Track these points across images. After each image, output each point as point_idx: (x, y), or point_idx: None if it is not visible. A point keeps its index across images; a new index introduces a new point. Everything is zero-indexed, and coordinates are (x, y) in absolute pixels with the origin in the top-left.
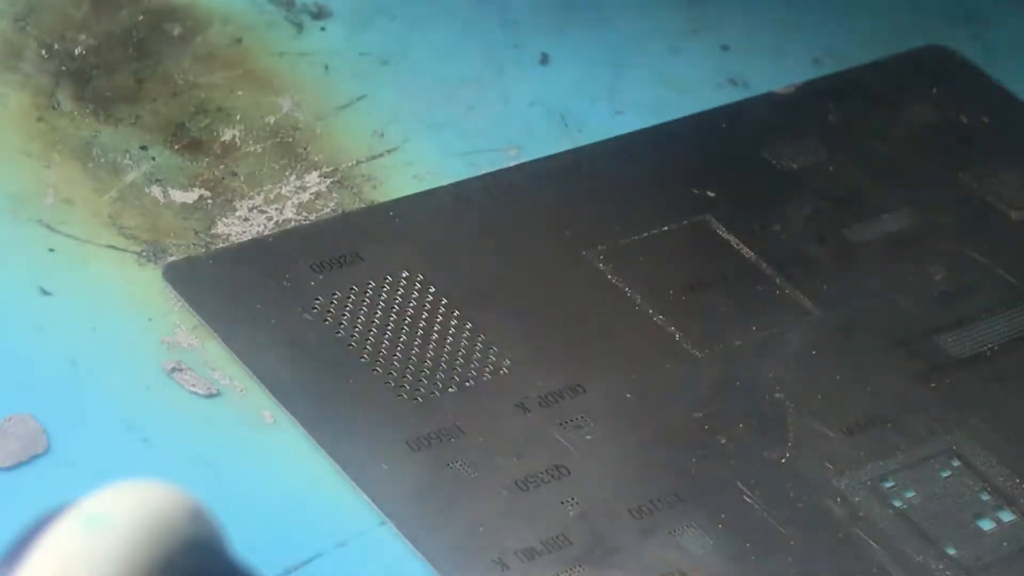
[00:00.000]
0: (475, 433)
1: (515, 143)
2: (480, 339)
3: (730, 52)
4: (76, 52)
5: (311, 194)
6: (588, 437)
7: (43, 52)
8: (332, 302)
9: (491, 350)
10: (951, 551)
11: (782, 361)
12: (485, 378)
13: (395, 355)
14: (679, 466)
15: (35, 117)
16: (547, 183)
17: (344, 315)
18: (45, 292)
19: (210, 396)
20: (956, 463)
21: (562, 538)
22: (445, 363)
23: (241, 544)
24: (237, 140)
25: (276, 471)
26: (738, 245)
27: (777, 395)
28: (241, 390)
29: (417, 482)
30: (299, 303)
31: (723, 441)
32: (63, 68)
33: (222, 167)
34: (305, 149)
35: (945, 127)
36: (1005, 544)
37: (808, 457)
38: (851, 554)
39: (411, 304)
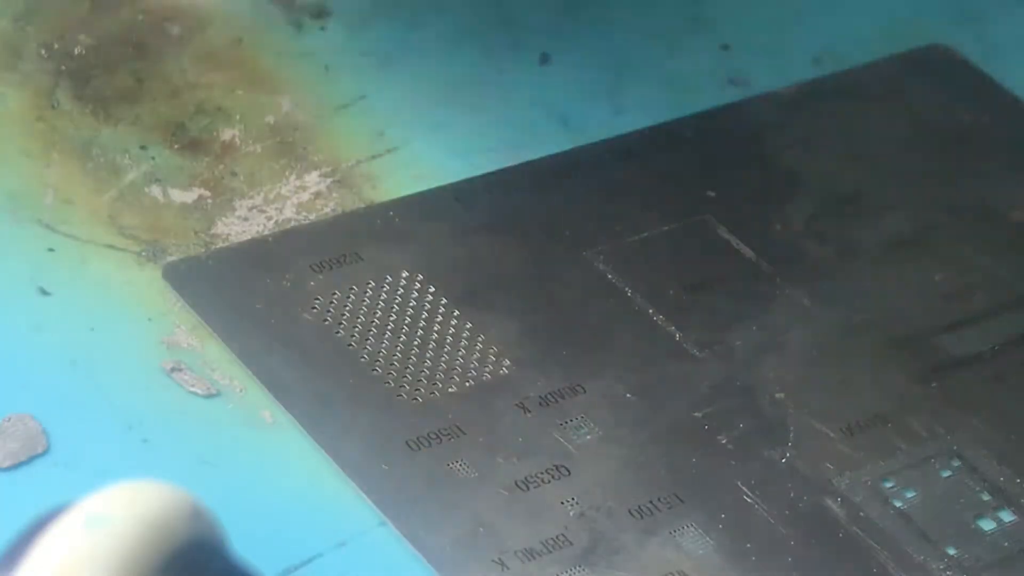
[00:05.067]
0: (475, 433)
1: (515, 143)
2: (480, 339)
3: (730, 52)
4: (76, 52)
5: (311, 194)
6: (588, 437)
7: (43, 52)
8: (332, 302)
9: (491, 350)
10: (952, 551)
11: (782, 361)
12: (485, 378)
13: (395, 355)
14: (679, 466)
15: (35, 117)
16: (547, 183)
17: (344, 315)
18: (45, 292)
19: (210, 396)
20: (957, 463)
21: (562, 538)
22: (445, 363)
23: (241, 544)
24: (237, 140)
25: (276, 471)
26: (738, 245)
27: (777, 395)
28: (241, 390)
29: (417, 482)
30: (299, 303)
31: (723, 441)
32: (63, 68)
33: (222, 167)
34: (305, 149)
35: (945, 127)
36: (1006, 544)
37: (808, 457)
38: (851, 554)
39: (411, 304)
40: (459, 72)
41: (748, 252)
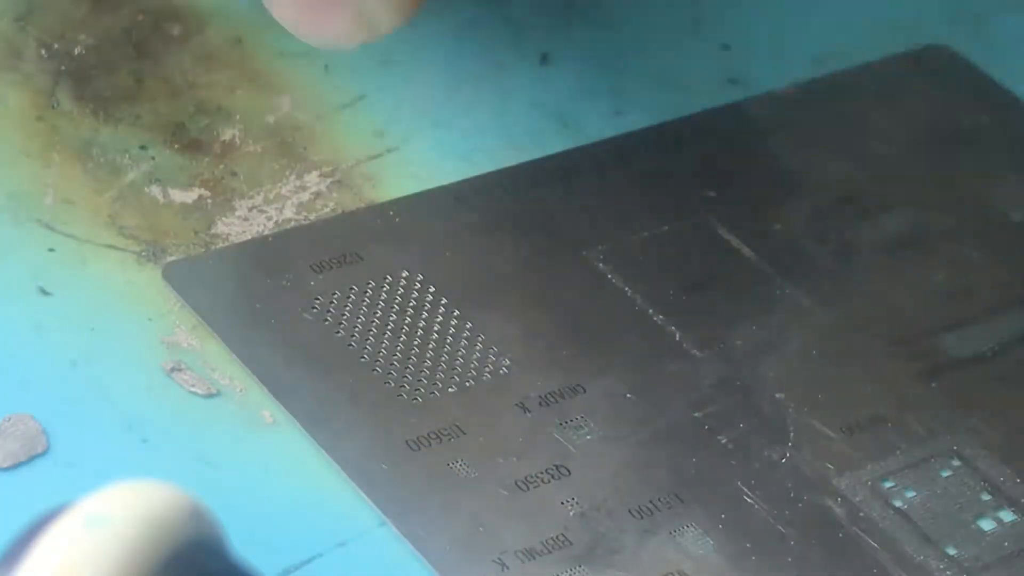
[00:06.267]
0: (475, 433)
1: (515, 143)
2: (480, 339)
3: (730, 52)
4: (76, 52)
5: (311, 194)
6: (588, 437)
7: (43, 52)
8: (332, 302)
9: (491, 350)
10: (951, 551)
11: (782, 361)
12: (485, 378)
13: (395, 355)
14: (679, 466)
15: (35, 117)
16: (547, 183)
17: (344, 315)
18: (45, 292)
19: (210, 396)
20: (956, 463)
21: (562, 538)
22: (445, 363)
23: (241, 544)
24: (237, 140)
25: (276, 471)
26: (738, 245)
27: (777, 395)
28: (241, 390)
29: (417, 482)
30: (299, 303)
31: (723, 441)
32: (63, 68)
33: (222, 167)
34: (305, 149)
35: (945, 127)
36: (1006, 544)
37: (808, 457)
38: (851, 554)
39: (411, 304)
40: (459, 72)
41: (748, 252)
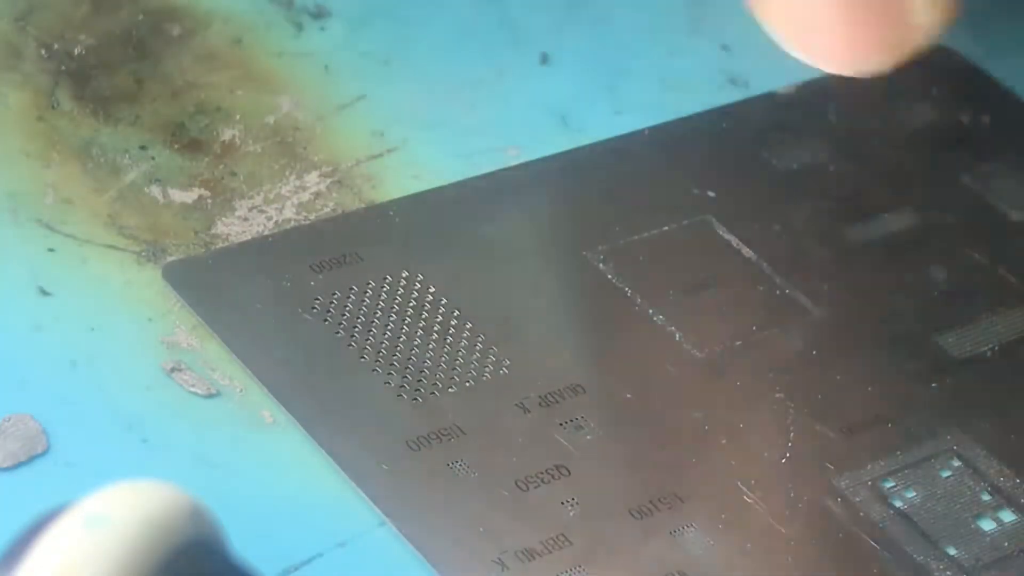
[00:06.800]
0: (475, 433)
1: (515, 143)
2: (480, 339)
3: (730, 52)
4: (76, 52)
5: (311, 194)
6: (588, 437)
7: (43, 52)
8: (332, 302)
9: (491, 350)
10: (951, 551)
11: (782, 361)
12: (485, 378)
13: (395, 355)
14: (679, 466)
15: (35, 117)
16: (547, 183)
17: (344, 315)
18: (45, 292)
19: (210, 396)
20: (956, 463)
21: (562, 538)
22: (445, 363)
23: (241, 544)
24: (237, 140)
25: (276, 471)
26: (738, 245)
27: (777, 395)
28: (241, 390)
29: (417, 482)
30: (299, 303)
31: (723, 441)
32: (63, 68)
33: (222, 167)
34: (305, 149)
35: (945, 127)
36: (1006, 544)
37: (808, 457)
38: (851, 554)
39: (411, 304)
40: (459, 72)
41: (748, 252)
